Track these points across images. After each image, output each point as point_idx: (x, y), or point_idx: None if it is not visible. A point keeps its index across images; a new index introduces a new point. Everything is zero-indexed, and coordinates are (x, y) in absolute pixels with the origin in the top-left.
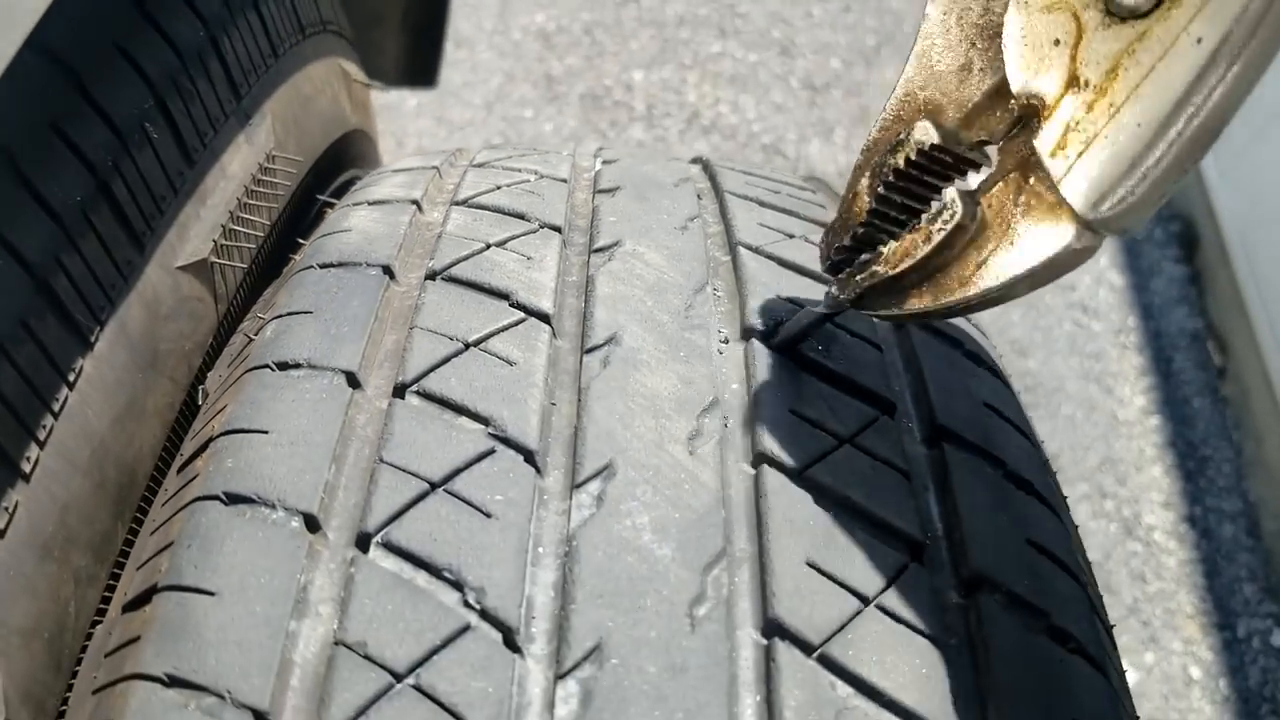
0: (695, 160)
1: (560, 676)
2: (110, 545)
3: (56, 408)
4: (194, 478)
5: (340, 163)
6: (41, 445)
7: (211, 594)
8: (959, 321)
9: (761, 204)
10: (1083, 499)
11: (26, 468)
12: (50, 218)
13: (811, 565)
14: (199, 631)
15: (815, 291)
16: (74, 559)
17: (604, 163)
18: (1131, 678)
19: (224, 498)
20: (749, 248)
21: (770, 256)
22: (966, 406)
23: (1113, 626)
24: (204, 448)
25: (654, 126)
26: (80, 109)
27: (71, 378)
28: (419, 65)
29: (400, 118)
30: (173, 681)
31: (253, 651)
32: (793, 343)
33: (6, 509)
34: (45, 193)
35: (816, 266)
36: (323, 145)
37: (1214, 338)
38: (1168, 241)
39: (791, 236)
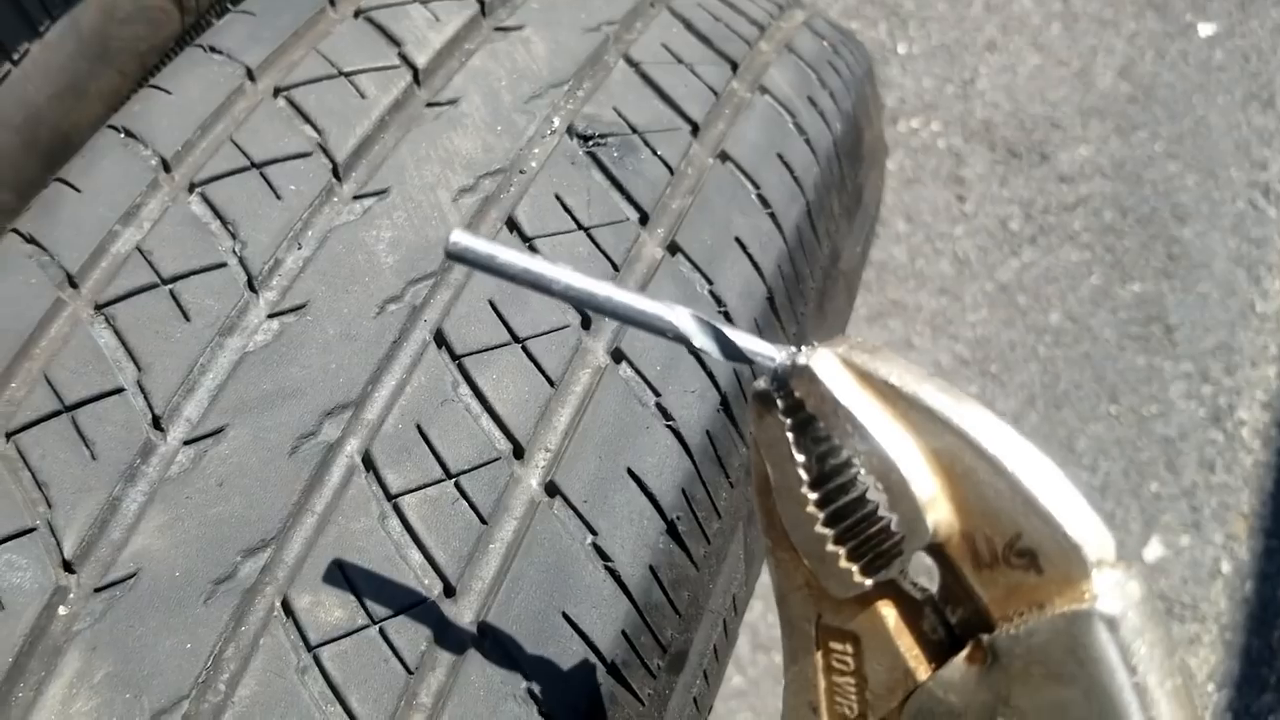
0: None
1: (270, 315)
2: (38, 189)
3: None
4: (119, 112)
5: None
6: None
7: (79, 190)
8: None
9: (688, 25)
10: (1182, 377)
11: None
12: None
13: (491, 304)
14: (59, 210)
15: (648, 107)
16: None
17: None
18: (1156, 551)
19: (120, 130)
20: (630, 61)
21: (641, 74)
22: (712, 234)
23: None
24: (136, 95)
25: None
26: None
27: (15, 57)
28: None
29: None
30: (29, 240)
31: (85, 234)
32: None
33: None
34: None
35: (676, 91)
36: None
37: None
38: None
39: (680, 62)
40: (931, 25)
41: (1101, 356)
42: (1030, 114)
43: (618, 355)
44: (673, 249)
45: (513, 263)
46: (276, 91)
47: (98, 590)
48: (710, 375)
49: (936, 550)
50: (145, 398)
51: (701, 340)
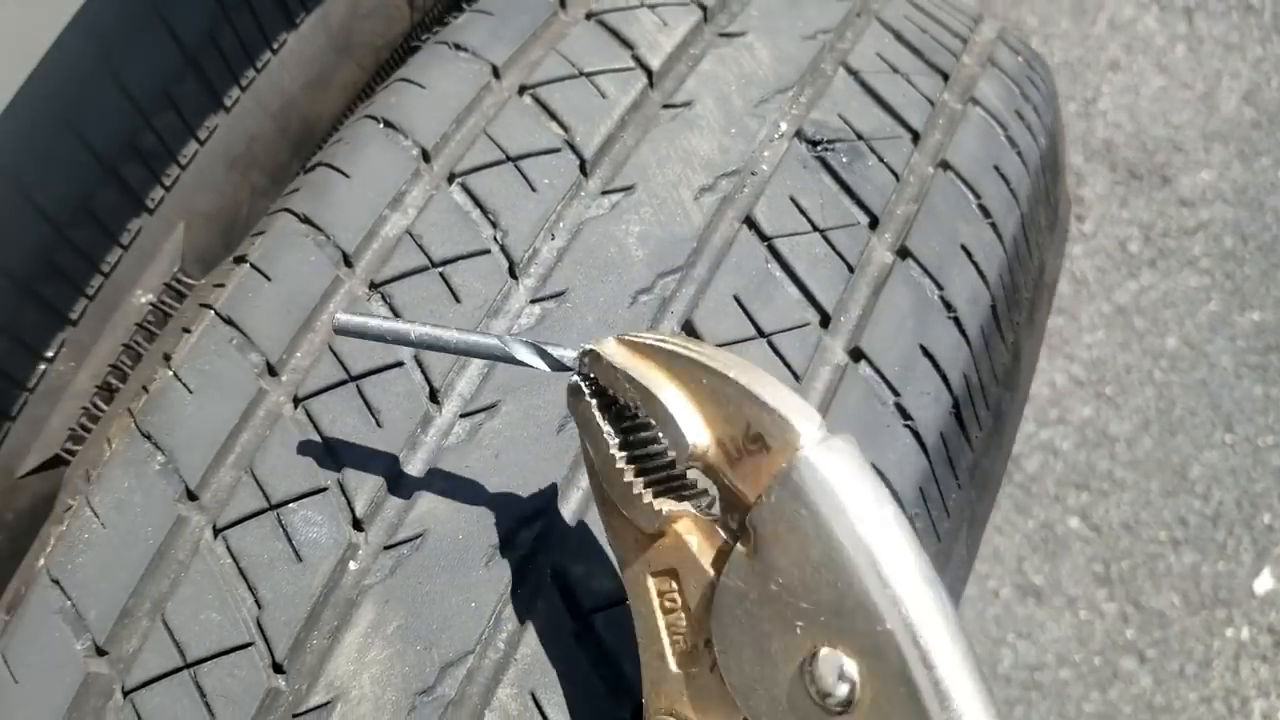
0: None
1: (532, 301)
2: (285, 173)
3: (259, 65)
4: (372, 103)
5: None
6: (245, 89)
7: (347, 176)
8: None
9: (898, 36)
10: None
11: (229, 103)
12: None
13: (736, 299)
14: (331, 193)
15: (870, 115)
16: (253, 177)
17: None
18: (1267, 583)
19: (380, 121)
20: (849, 70)
21: (861, 83)
22: (943, 243)
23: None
24: (388, 86)
25: None
26: None
27: (275, 47)
28: None
29: None
30: (305, 220)
31: (357, 217)
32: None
33: (209, 128)
34: None
35: (896, 100)
36: None
37: None
38: None
39: (896, 71)
40: (1054, 42)
41: (1218, 384)
42: (1152, 135)
43: (856, 354)
44: (903, 253)
45: (381, 326)
46: (522, 89)
47: (387, 548)
48: (944, 378)
49: (705, 465)
50: (423, 371)
51: (526, 356)
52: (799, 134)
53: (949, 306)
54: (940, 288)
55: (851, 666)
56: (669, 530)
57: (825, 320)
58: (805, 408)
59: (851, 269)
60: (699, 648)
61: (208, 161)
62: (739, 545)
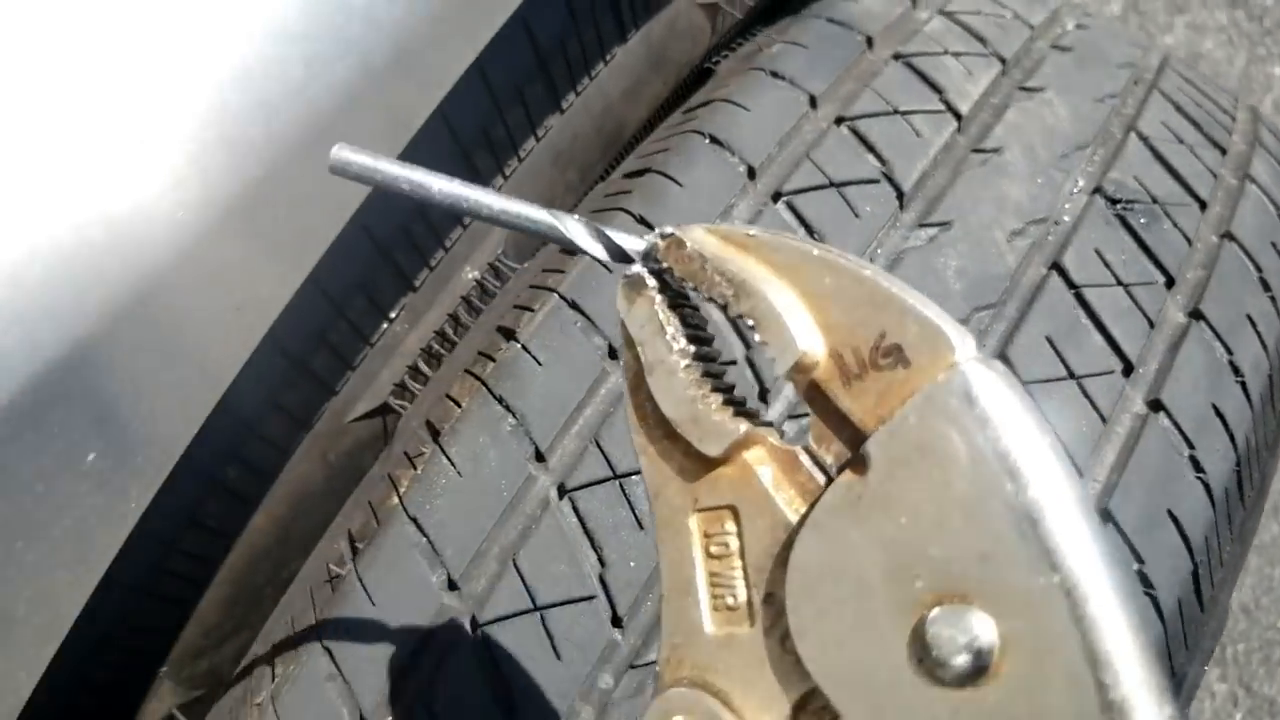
0: (1158, 52)
1: None
2: (592, 172)
3: (593, 73)
4: (695, 118)
5: None
6: (578, 93)
7: (680, 184)
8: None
9: (1178, 108)
10: None
11: (564, 105)
12: None
13: (1048, 340)
14: (665, 200)
15: (1162, 181)
16: (569, 174)
17: (1076, 26)
18: None
19: (707, 137)
20: (1139, 135)
21: (1151, 149)
22: (1232, 310)
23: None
24: (707, 103)
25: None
26: None
27: (608, 57)
28: None
29: None
30: (641, 221)
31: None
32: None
33: (546, 126)
34: None
35: (1184, 168)
36: None
37: None
38: None
39: (1181, 141)
40: None
41: None
42: None
43: (1155, 405)
44: (1195, 315)
45: (392, 171)
46: (839, 120)
47: None
48: (1231, 438)
49: (807, 383)
50: (753, 370)
51: (580, 238)
52: (1098, 190)
53: (1237, 371)
54: (1230, 352)
55: (989, 627)
56: (735, 459)
57: (1128, 370)
58: (957, 323)
59: (1151, 324)
60: (752, 605)
61: (539, 156)
62: (843, 477)
